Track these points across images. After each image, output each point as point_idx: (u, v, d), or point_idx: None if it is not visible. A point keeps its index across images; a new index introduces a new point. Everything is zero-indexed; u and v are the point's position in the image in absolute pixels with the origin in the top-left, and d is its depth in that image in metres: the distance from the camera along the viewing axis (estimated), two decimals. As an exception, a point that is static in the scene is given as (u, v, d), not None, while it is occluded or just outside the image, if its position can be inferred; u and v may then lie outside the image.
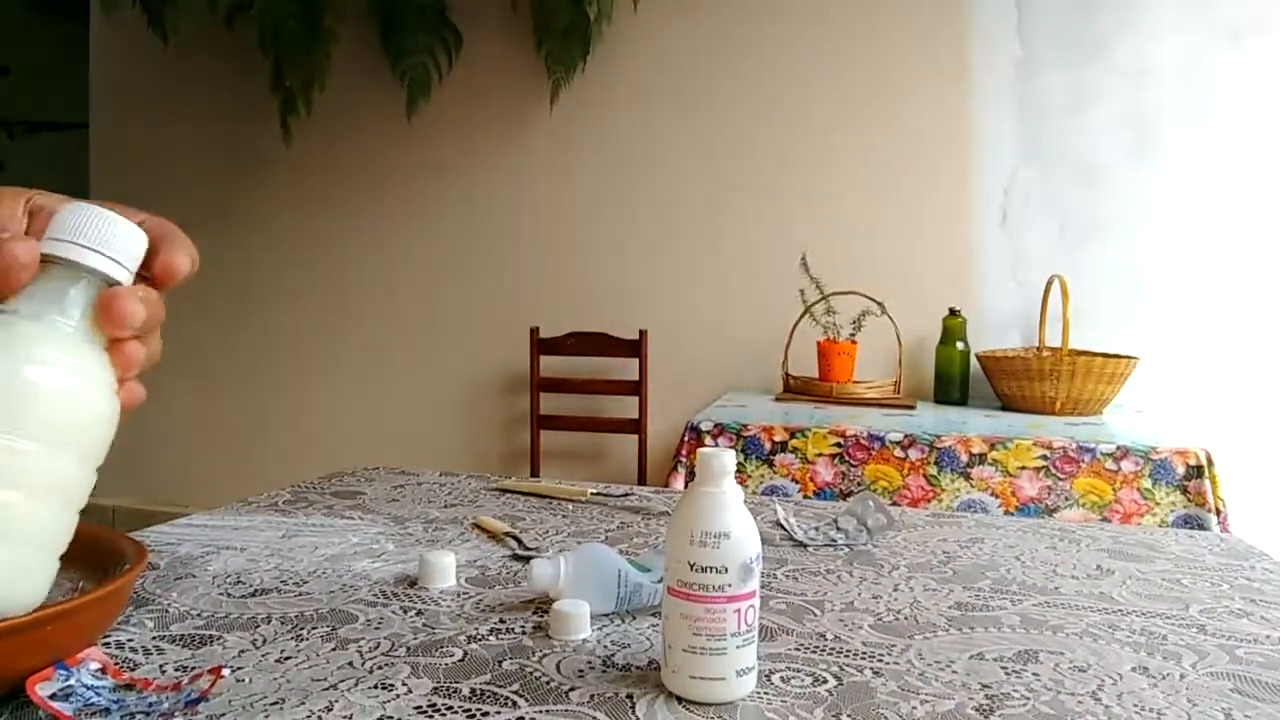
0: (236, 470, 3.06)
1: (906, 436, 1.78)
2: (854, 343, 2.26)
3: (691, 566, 0.47)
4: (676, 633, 0.48)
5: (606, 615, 0.59)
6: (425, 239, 2.85)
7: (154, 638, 0.54)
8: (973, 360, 2.28)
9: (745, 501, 0.50)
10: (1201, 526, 1.63)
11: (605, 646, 0.55)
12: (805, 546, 0.79)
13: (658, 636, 0.56)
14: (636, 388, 2.47)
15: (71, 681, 0.44)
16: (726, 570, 0.47)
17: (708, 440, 1.85)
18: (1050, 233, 2.39)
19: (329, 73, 2.77)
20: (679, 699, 0.47)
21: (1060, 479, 1.70)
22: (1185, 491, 1.67)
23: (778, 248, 2.50)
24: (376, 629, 0.57)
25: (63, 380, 0.41)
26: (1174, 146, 2.30)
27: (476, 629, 0.57)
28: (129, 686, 0.46)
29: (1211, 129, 2.28)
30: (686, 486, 1.90)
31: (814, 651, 0.55)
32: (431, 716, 0.45)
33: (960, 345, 2.29)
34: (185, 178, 2.97)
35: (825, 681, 0.50)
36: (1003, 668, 0.53)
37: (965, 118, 2.42)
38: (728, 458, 0.48)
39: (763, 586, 0.67)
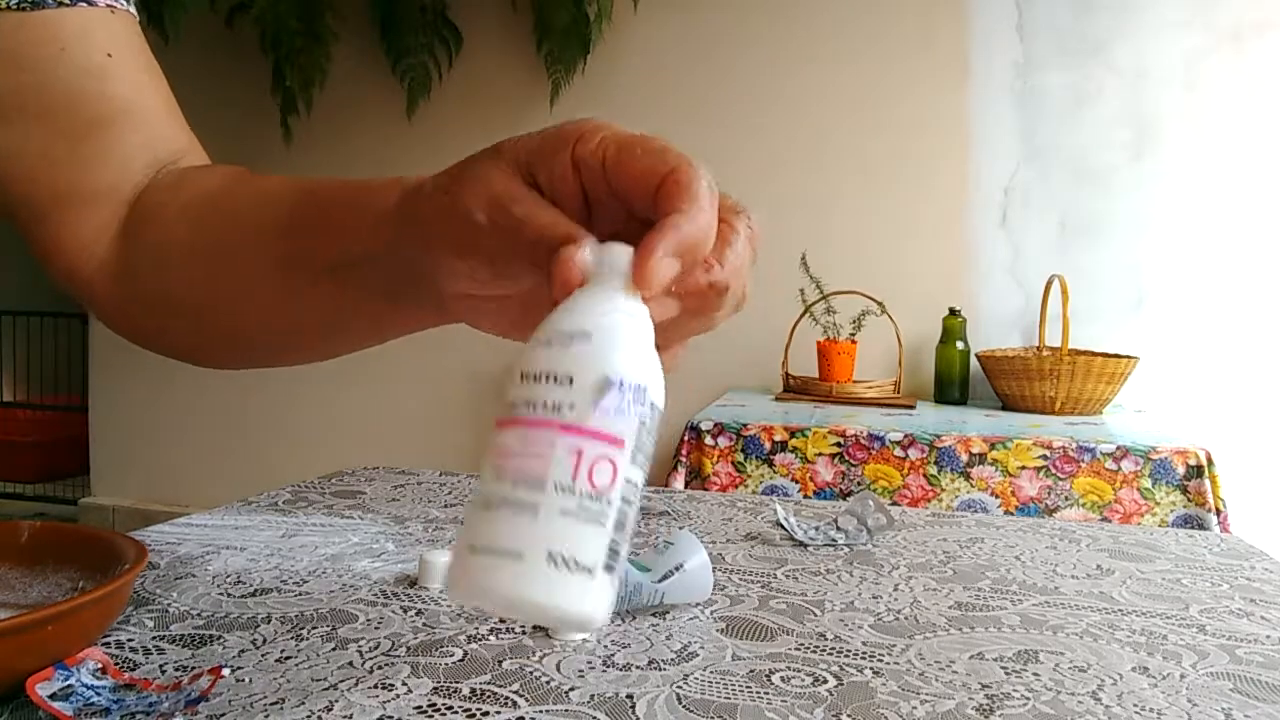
0: (237, 470, 3.06)
1: (906, 436, 1.78)
2: (854, 342, 2.26)
3: (523, 377, 0.31)
4: (480, 482, 0.32)
5: (606, 615, 0.59)
6: (425, 239, 2.85)
7: (154, 638, 0.55)
8: (973, 360, 2.28)
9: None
10: (1201, 526, 1.63)
11: (605, 646, 0.55)
12: (805, 546, 0.79)
13: (658, 636, 0.56)
14: (636, 388, 2.47)
15: (71, 681, 0.44)
16: (571, 382, 0.30)
17: (707, 440, 1.85)
18: (1050, 233, 2.39)
19: (329, 73, 2.77)
20: (679, 699, 0.47)
21: (1060, 479, 1.70)
22: (1185, 491, 1.67)
23: (777, 247, 2.50)
24: (376, 629, 0.57)
25: None
26: (1174, 146, 2.30)
27: (476, 629, 0.57)
28: (129, 686, 0.46)
29: (1211, 129, 2.28)
30: (687, 487, 1.89)
31: (814, 651, 0.55)
32: (431, 716, 0.45)
33: (960, 345, 2.29)
34: (185, 178, 2.98)
35: (825, 681, 0.50)
36: (1003, 668, 0.53)
37: (965, 118, 2.42)
38: (620, 253, 0.33)
39: (763, 587, 0.67)
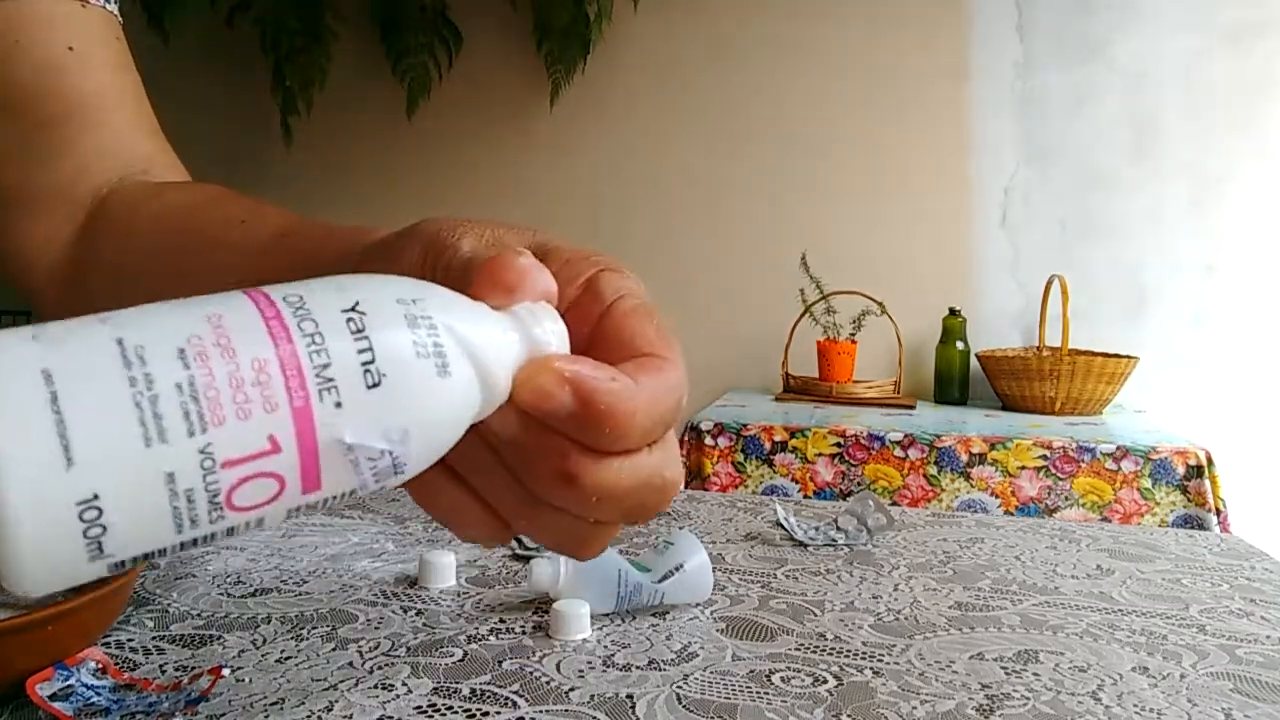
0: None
1: (906, 436, 1.78)
2: (854, 342, 2.26)
3: (355, 313, 0.23)
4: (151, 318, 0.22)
5: (606, 615, 0.59)
6: (425, 239, 2.85)
7: (154, 638, 0.55)
8: (973, 360, 2.28)
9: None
10: (1201, 526, 1.63)
11: (605, 646, 0.55)
12: (805, 546, 0.79)
13: (658, 636, 0.56)
14: (636, 388, 2.47)
15: (71, 681, 0.44)
16: (371, 381, 0.23)
17: (707, 440, 1.85)
18: (1050, 233, 2.39)
19: (329, 73, 2.77)
20: (679, 699, 0.47)
21: (1060, 479, 1.70)
22: (1185, 491, 1.67)
23: (778, 247, 2.50)
24: (376, 629, 0.57)
25: None
26: (1174, 146, 2.30)
27: (476, 629, 0.57)
28: (129, 686, 0.46)
29: (1211, 129, 2.28)
30: (687, 487, 1.89)
31: (814, 651, 0.55)
32: (431, 716, 0.45)
33: (960, 345, 2.29)
34: (185, 178, 2.97)
35: (825, 681, 0.50)
36: (1003, 668, 0.53)
37: (965, 118, 2.42)
38: (552, 323, 0.27)
39: (763, 587, 0.67)
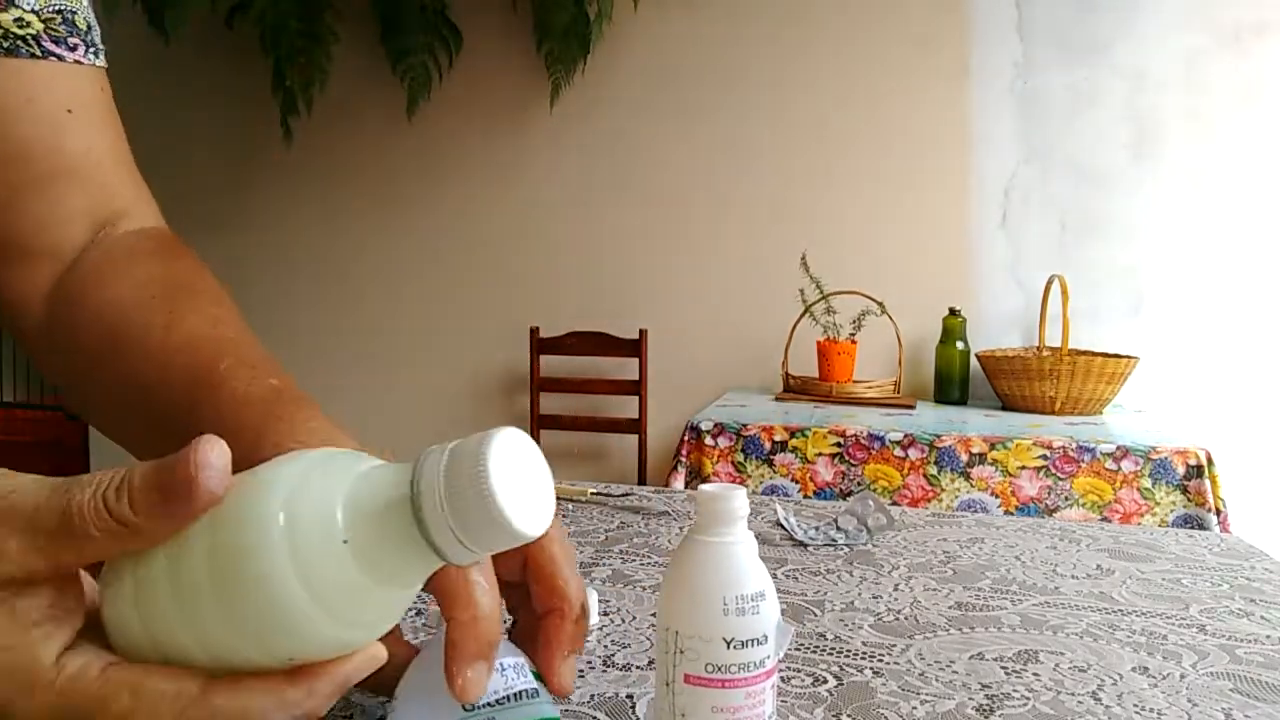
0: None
1: (906, 436, 1.78)
2: (854, 342, 2.26)
3: (729, 644, 0.38)
4: None
5: (597, 622, 0.59)
6: (425, 238, 2.85)
7: (154, 638, 0.54)
8: (973, 360, 2.28)
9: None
10: (1201, 526, 1.63)
11: (605, 646, 0.55)
12: (805, 546, 0.79)
13: (657, 636, 0.56)
14: (636, 387, 2.47)
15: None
16: (766, 639, 0.38)
17: (708, 440, 1.85)
18: (1050, 233, 2.39)
19: (329, 73, 2.77)
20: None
21: (1060, 479, 1.71)
22: (1185, 491, 1.67)
23: (778, 247, 2.50)
24: (377, 629, 0.57)
25: None
26: (1174, 146, 2.30)
27: (477, 629, 0.57)
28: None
29: (1211, 129, 2.28)
30: (687, 487, 1.88)
31: (814, 651, 0.55)
32: (432, 716, 0.45)
33: (960, 345, 2.29)
34: (185, 177, 2.97)
35: (825, 681, 0.50)
36: (1003, 668, 0.53)
37: (965, 118, 2.42)
38: (741, 497, 0.39)
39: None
